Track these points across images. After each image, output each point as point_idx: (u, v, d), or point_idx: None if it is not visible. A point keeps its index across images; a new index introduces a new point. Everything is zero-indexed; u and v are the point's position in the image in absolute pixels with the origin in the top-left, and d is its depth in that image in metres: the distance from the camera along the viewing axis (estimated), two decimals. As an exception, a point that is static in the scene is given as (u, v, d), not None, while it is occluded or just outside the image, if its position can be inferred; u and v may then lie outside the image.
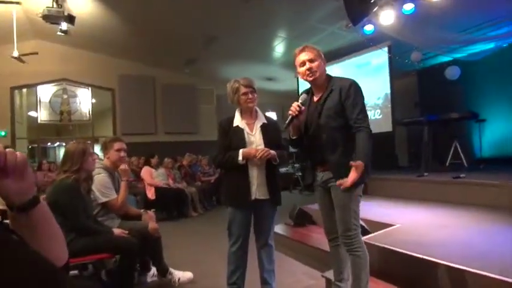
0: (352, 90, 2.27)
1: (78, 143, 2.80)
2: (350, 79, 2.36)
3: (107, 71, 10.52)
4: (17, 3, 6.64)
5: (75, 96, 10.69)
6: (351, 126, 2.24)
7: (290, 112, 2.39)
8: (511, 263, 2.40)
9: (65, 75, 10.31)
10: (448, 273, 2.43)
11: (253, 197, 2.69)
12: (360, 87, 2.33)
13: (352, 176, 2.15)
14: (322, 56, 2.40)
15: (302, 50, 2.41)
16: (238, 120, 2.80)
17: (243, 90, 2.74)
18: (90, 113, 10.86)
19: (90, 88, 10.77)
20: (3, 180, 0.78)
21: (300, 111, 2.37)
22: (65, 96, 10.55)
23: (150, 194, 6.75)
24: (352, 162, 2.15)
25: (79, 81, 10.56)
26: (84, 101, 10.77)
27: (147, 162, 7.46)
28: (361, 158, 2.15)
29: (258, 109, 2.82)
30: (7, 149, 0.78)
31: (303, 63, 2.39)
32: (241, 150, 2.65)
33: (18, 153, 0.80)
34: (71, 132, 11.86)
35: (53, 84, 10.40)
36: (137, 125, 10.73)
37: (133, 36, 8.74)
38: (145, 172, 7.03)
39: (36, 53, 7.85)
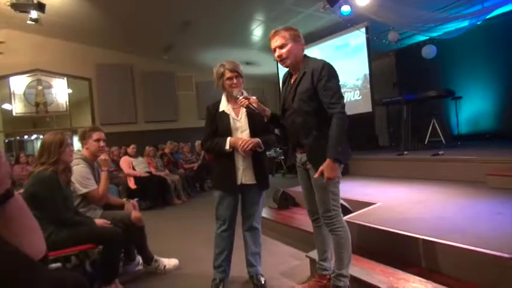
0: (324, 73, 2.21)
1: (56, 133, 2.73)
2: (322, 61, 2.29)
3: (83, 60, 10.27)
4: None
5: (50, 87, 10.40)
6: (326, 109, 2.23)
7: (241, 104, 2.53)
8: (483, 233, 2.49)
9: (39, 66, 10.01)
10: (426, 246, 2.50)
11: (239, 182, 2.71)
12: (332, 69, 2.26)
13: (326, 175, 2.16)
14: (298, 37, 2.34)
15: (273, 36, 2.38)
16: (224, 105, 2.79)
17: (227, 74, 2.71)
18: (67, 103, 10.60)
19: (65, 78, 10.49)
20: None
21: (248, 105, 2.49)
22: (40, 88, 10.25)
23: (131, 183, 6.69)
24: (321, 167, 2.16)
25: (54, 72, 10.26)
26: (60, 91, 10.49)
27: (127, 152, 7.39)
28: (330, 152, 2.14)
29: (245, 92, 2.75)
30: None
31: (274, 50, 2.38)
32: (228, 139, 2.66)
33: None
34: (48, 123, 11.57)
35: (26, 75, 10.09)
36: (117, 114, 10.56)
37: (109, 23, 8.51)
38: (124, 162, 6.95)
39: (3, 42, 7.59)
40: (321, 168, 2.17)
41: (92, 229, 2.66)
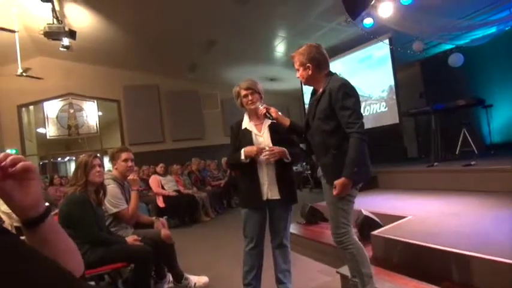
0: (340, 94, 2.23)
1: (84, 156, 2.85)
2: (342, 80, 2.33)
3: (111, 83, 10.63)
4: (13, 31, 6.71)
5: (81, 110, 10.80)
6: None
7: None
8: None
9: (70, 90, 10.44)
10: (459, 260, 2.44)
11: (265, 197, 2.72)
12: (350, 88, 2.28)
13: (336, 191, 2.21)
14: (313, 59, 2.38)
15: (291, 58, 2.51)
16: (246, 123, 2.86)
17: (243, 93, 2.80)
18: (98, 125, 10.96)
19: (95, 101, 10.88)
20: (6, 186, 0.80)
21: (265, 113, 2.61)
22: (72, 111, 10.66)
23: (160, 202, 6.80)
24: (335, 182, 2.20)
25: (84, 95, 10.67)
26: (90, 114, 10.88)
27: (156, 171, 7.54)
28: (347, 171, 2.17)
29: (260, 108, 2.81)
30: (13, 155, 0.82)
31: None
32: (243, 149, 2.68)
33: (23, 160, 0.82)
34: (80, 145, 11.98)
35: (59, 99, 10.53)
36: (144, 134, 10.81)
37: (135, 45, 8.82)
38: (153, 181, 7.08)
39: (42, 78, 8.02)
40: (334, 183, 2.21)
41: (124, 247, 2.72)
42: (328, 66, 2.45)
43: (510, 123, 7.52)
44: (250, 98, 2.76)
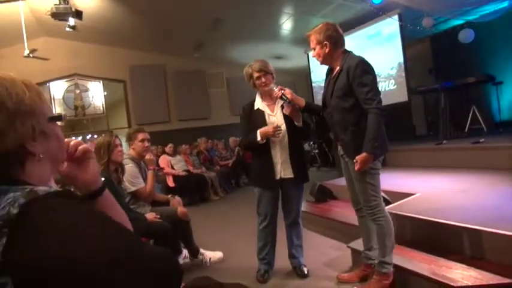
0: (358, 71, 2.31)
1: (105, 136, 3.00)
2: (359, 57, 2.41)
3: (117, 63, 10.68)
4: (21, -1, 6.73)
5: (87, 90, 10.89)
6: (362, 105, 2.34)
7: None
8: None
9: (76, 70, 10.50)
10: (469, 234, 2.56)
11: (278, 177, 2.83)
12: (368, 65, 2.37)
13: (357, 166, 2.31)
14: (330, 37, 2.45)
15: (308, 37, 2.57)
16: (258, 103, 2.94)
17: (255, 74, 2.87)
18: (104, 106, 11.07)
19: (101, 81, 10.96)
20: (73, 170, 0.96)
21: (281, 95, 2.70)
22: (78, 91, 10.75)
23: (170, 182, 6.97)
24: (357, 157, 2.30)
25: (90, 75, 10.73)
26: (96, 94, 10.97)
27: (164, 151, 7.70)
28: (367, 146, 2.27)
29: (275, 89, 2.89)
30: (74, 140, 0.97)
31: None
32: (258, 130, 2.77)
33: (81, 144, 0.98)
34: (85, 126, 12.13)
35: (65, 80, 10.62)
36: (151, 114, 10.90)
37: (141, 25, 8.83)
38: (163, 160, 7.24)
39: (48, 59, 8.09)
40: (356, 158, 2.31)
41: (145, 224, 2.89)
42: (344, 44, 2.53)
43: (520, 100, 7.56)
44: (263, 80, 2.84)
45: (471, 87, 6.56)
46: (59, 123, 0.92)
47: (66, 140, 0.96)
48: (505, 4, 6.17)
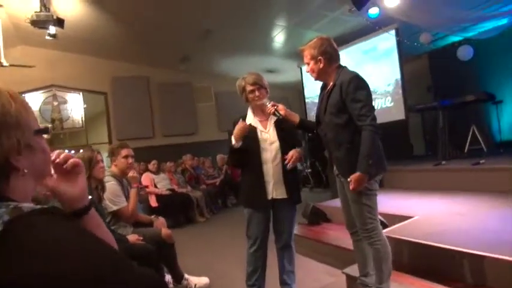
0: (351, 87, 2.36)
1: (86, 151, 2.99)
2: (352, 73, 2.46)
3: (98, 74, 10.65)
4: (-1, 5, 6.73)
5: (65, 102, 10.80)
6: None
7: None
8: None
9: (54, 81, 10.43)
10: (467, 260, 2.59)
11: (270, 197, 2.81)
12: (361, 80, 2.42)
13: (352, 186, 2.33)
14: (324, 53, 2.50)
15: (301, 52, 2.62)
16: (250, 118, 2.94)
17: (248, 88, 2.88)
18: (83, 119, 11.00)
19: (81, 93, 10.91)
20: (61, 185, 0.97)
21: (274, 111, 2.70)
22: (55, 103, 10.67)
23: (152, 201, 6.92)
24: (351, 176, 2.32)
25: (69, 87, 10.67)
26: (75, 107, 10.90)
27: (147, 168, 7.66)
28: (361, 165, 2.29)
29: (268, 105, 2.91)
30: (65, 153, 0.98)
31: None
32: (233, 136, 2.77)
33: (72, 157, 0.99)
34: (62, 141, 12.02)
35: (42, 91, 10.56)
36: (133, 129, 10.85)
37: (125, 35, 8.88)
38: (146, 178, 7.19)
39: (33, 66, 8.05)
40: (350, 177, 2.33)
41: (126, 246, 2.87)
42: (339, 59, 2.58)
43: (521, 120, 7.72)
44: (257, 93, 2.86)
45: (471, 106, 6.68)
46: (45, 136, 0.94)
47: (57, 151, 0.97)
48: (504, 21, 6.38)
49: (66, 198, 0.97)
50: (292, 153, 2.73)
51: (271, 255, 3.11)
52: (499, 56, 7.57)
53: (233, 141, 2.76)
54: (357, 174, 2.30)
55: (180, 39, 9.01)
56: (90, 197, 1.03)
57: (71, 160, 0.97)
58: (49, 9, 6.15)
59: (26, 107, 0.88)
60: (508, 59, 7.50)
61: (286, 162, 2.72)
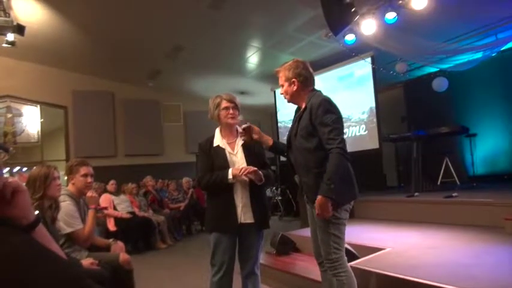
0: (320, 110, 2.43)
1: (41, 167, 2.90)
2: (322, 96, 2.54)
3: (58, 87, 10.43)
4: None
5: (20, 115, 10.53)
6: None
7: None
8: (502, 281, 2.66)
9: (9, 91, 10.13)
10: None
11: (239, 221, 2.82)
12: (331, 105, 2.49)
13: (316, 211, 2.38)
14: (299, 75, 2.59)
15: (276, 73, 2.71)
16: (218, 140, 2.97)
17: (224, 104, 2.91)
18: (39, 134, 10.71)
19: (39, 106, 10.66)
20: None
21: (244, 133, 2.75)
22: (9, 115, 10.38)
23: (110, 225, 6.75)
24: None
25: (26, 98, 10.41)
26: (31, 120, 10.63)
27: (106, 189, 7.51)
28: (323, 188, 2.33)
29: (238, 127, 2.97)
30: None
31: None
32: (231, 169, 2.79)
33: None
34: (14, 156, 11.65)
35: (-6, 102, 10.25)
36: (94, 146, 10.64)
37: (90, 47, 8.79)
38: (105, 200, 7.02)
39: None
40: (315, 204, 2.36)
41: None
42: (314, 83, 2.67)
43: (494, 154, 8.04)
44: (231, 111, 2.90)
45: (445, 138, 6.94)
46: (2, 155, 0.92)
47: None
48: (479, 55, 6.71)
49: (7, 217, 0.95)
50: (252, 167, 2.76)
51: (236, 285, 3.08)
52: (473, 89, 7.93)
53: (230, 176, 2.75)
54: (318, 197, 2.33)
55: (149, 54, 9.02)
56: (36, 212, 1.01)
57: (10, 188, 0.95)
58: (9, 14, 6.05)
59: None
60: (482, 93, 7.87)
61: (241, 170, 2.74)
